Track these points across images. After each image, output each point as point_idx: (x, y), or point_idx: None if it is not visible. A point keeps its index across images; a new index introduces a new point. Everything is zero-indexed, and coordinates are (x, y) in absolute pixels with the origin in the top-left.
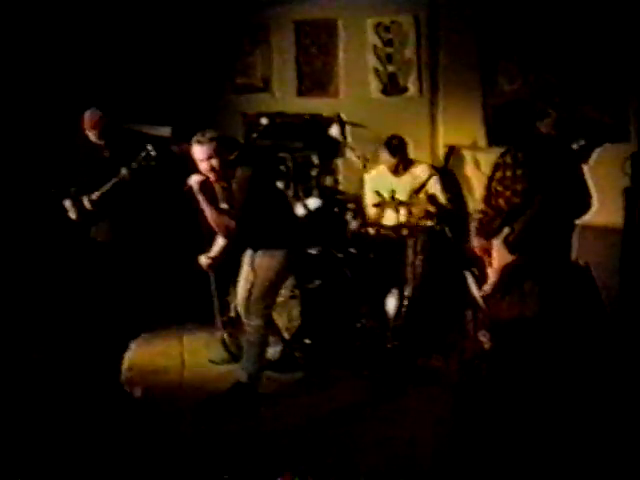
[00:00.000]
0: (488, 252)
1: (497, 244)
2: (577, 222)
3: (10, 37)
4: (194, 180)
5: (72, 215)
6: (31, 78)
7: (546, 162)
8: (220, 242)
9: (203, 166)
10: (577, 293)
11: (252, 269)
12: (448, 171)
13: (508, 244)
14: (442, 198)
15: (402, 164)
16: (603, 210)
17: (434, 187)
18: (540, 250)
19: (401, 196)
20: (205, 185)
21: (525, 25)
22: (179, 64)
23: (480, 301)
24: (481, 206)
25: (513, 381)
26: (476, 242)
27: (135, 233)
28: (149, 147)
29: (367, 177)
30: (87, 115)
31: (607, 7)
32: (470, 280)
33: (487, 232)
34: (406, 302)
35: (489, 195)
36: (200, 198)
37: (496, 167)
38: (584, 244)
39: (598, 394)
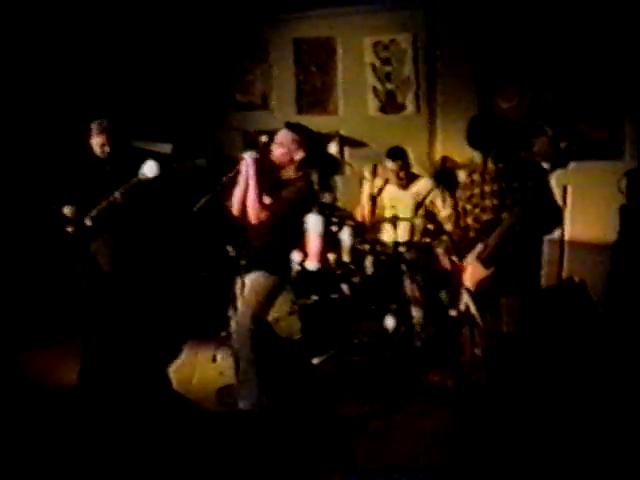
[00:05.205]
0: (459, 272)
1: (471, 261)
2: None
3: (16, 53)
4: (250, 154)
5: (70, 229)
6: (34, 92)
7: (515, 178)
8: None
9: (279, 151)
10: (573, 309)
11: (247, 288)
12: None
13: (482, 260)
14: (441, 214)
15: (405, 172)
16: (599, 227)
17: (433, 203)
18: (513, 264)
19: (403, 212)
20: (259, 163)
21: (522, 43)
22: (180, 81)
23: (477, 317)
24: (449, 228)
25: (510, 395)
26: (447, 263)
27: (136, 251)
28: (143, 171)
29: (368, 190)
30: (96, 122)
31: (603, 26)
32: (467, 297)
33: (457, 252)
34: (407, 320)
35: (457, 216)
36: (251, 173)
37: (464, 187)
38: (580, 261)
39: (595, 406)
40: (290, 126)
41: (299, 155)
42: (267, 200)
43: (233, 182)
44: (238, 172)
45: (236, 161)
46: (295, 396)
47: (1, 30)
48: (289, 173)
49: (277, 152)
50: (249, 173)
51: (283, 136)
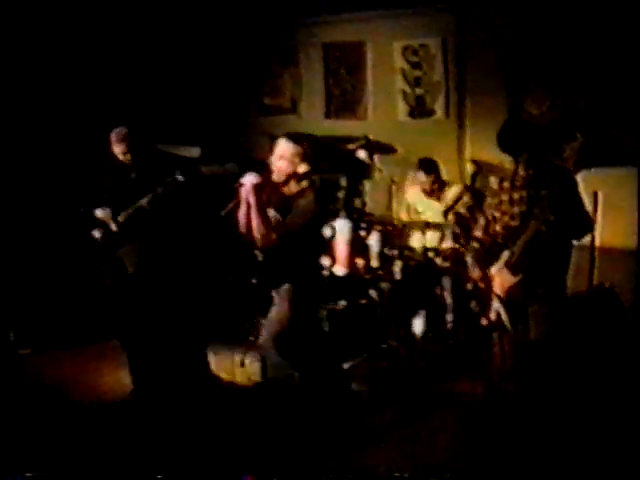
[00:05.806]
0: (488, 280)
1: (498, 269)
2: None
3: (39, 57)
4: (249, 179)
5: (97, 235)
6: (60, 97)
7: (544, 185)
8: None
9: (280, 164)
10: (603, 315)
11: (278, 299)
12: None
13: (510, 267)
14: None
15: (437, 184)
16: (629, 233)
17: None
18: (541, 271)
19: (432, 217)
20: (260, 188)
21: (552, 48)
22: (209, 85)
23: (508, 325)
24: (478, 235)
25: (540, 403)
26: (476, 272)
27: (162, 256)
28: (178, 176)
29: (403, 196)
30: (114, 131)
31: (635, 32)
32: (499, 305)
33: (486, 260)
34: (437, 326)
35: (487, 223)
36: (251, 199)
37: (494, 194)
38: (610, 267)
39: (627, 414)
40: (290, 137)
41: (302, 168)
42: (274, 217)
43: (236, 209)
44: (239, 201)
45: (235, 189)
46: (322, 400)
47: (28, 39)
48: (292, 188)
49: (278, 165)
50: (250, 201)
51: (283, 148)
